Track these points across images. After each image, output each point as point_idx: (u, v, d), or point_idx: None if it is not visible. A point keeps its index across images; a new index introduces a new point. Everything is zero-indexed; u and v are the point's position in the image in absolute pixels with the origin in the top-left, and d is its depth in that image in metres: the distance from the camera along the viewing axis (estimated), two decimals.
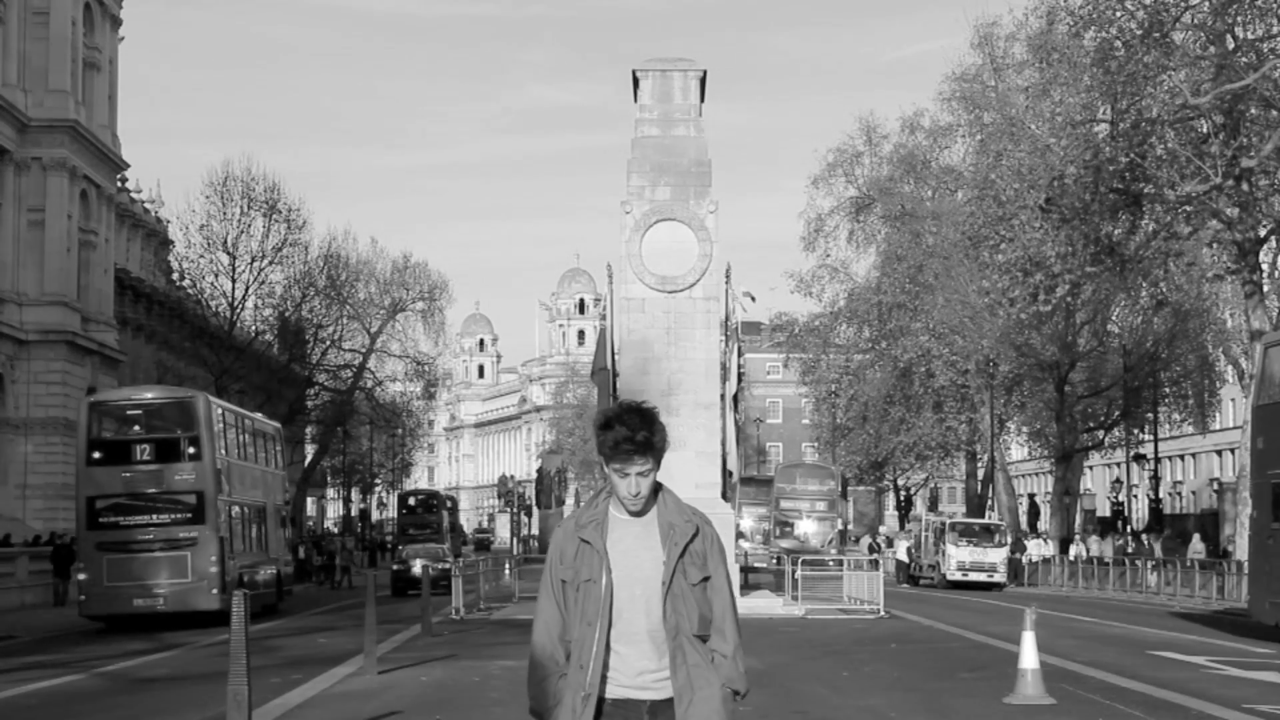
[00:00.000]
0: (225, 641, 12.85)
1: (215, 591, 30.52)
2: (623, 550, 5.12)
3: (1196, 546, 48.20)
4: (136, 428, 32.03)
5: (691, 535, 5.15)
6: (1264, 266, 44.95)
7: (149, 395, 34.70)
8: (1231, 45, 38.52)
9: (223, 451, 32.40)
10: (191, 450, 31.35)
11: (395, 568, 47.73)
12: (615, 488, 5.14)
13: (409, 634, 25.40)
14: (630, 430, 5.06)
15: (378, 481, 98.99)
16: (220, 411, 33.62)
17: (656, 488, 5.20)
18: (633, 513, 5.15)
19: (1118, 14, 38.17)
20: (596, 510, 5.23)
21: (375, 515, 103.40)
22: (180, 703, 17.02)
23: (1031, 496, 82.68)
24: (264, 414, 46.90)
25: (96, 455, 31.46)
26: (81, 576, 31.40)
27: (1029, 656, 15.31)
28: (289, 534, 44.30)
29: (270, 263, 61.44)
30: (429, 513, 79.56)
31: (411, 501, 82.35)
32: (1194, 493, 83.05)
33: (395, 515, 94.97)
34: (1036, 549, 54.19)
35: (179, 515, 31.16)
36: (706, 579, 5.16)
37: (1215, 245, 44.66)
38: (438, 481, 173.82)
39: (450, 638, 24.95)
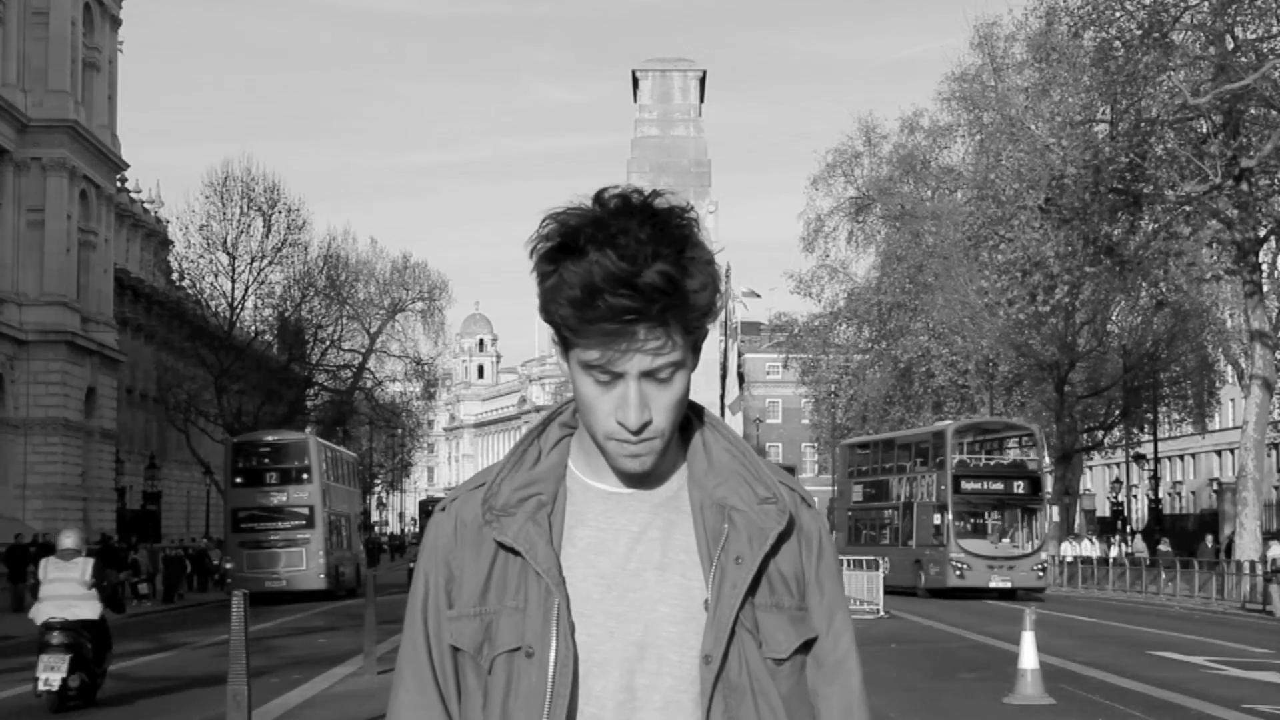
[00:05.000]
0: (226, 641, 12.84)
1: (322, 576, 41.63)
2: (601, 573, 1.98)
3: (1138, 545, 48.01)
4: (266, 460, 42.54)
5: (777, 536, 1.99)
6: (1264, 266, 44.95)
7: (273, 437, 45.11)
8: (1231, 45, 38.53)
9: (325, 477, 42.80)
10: (305, 476, 41.89)
11: (412, 565, 50.09)
12: (586, 414, 1.97)
13: None
14: (629, 263, 1.86)
15: (377, 482, 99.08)
16: (323, 448, 44.52)
17: (688, 418, 2.04)
18: (629, 476, 2.00)
19: (1117, 14, 38.18)
20: (536, 470, 2.04)
21: (374, 516, 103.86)
22: (180, 703, 17.00)
23: None
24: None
25: (239, 480, 42.37)
26: (228, 565, 42.40)
27: (1028, 656, 15.29)
28: (364, 536, 56.15)
29: (270, 263, 61.36)
30: None
31: (430, 507, 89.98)
32: (1194, 493, 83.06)
33: (397, 517, 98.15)
34: (1070, 548, 52.07)
35: (296, 522, 41.55)
36: (810, 644, 2.04)
37: (1215, 245, 44.65)
38: (437, 482, 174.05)
39: None
